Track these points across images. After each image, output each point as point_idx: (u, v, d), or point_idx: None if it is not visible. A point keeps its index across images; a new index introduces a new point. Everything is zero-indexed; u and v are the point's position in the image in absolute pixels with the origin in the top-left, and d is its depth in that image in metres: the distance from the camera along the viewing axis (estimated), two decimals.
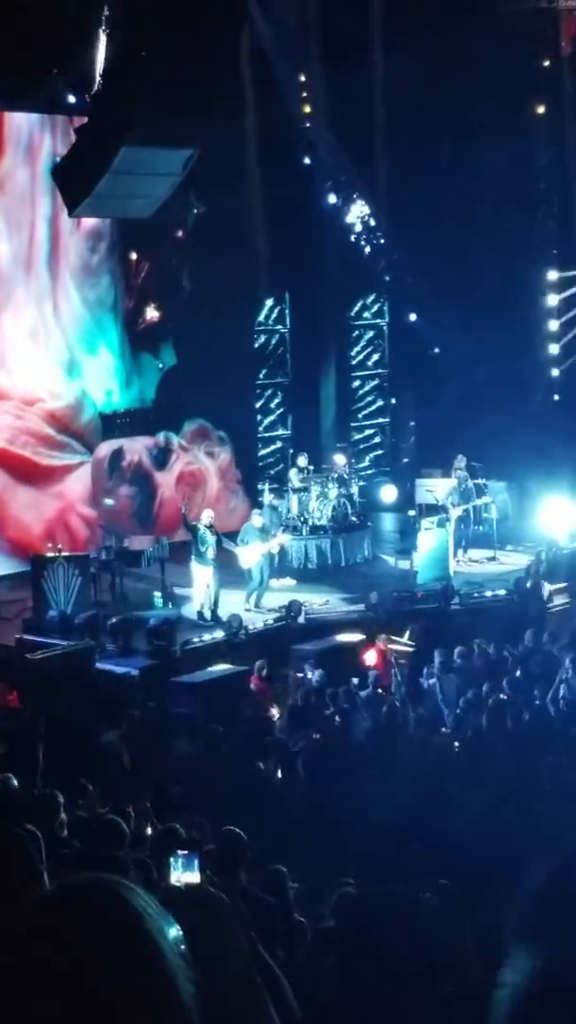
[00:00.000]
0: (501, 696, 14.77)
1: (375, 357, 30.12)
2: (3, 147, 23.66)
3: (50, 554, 20.39)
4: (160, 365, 26.72)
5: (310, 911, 7.94)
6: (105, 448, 24.73)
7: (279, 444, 28.09)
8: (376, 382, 30.17)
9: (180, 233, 26.45)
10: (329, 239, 28.05)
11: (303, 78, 27.06)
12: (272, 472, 26.80)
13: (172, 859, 2.54)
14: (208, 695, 16.25)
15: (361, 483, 25.73)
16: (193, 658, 18.03)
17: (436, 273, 27.49)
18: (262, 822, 10.37)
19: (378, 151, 26.52)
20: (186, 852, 2.58)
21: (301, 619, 19.83)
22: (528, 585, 20.57)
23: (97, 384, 25.31)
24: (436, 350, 28.93)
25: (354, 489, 24.68)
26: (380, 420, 30.15)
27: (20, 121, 23.88)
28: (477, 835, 10.64)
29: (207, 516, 20.42)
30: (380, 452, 29.94)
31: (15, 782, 10.17)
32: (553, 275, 28.72)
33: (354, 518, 24.20)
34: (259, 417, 28.10)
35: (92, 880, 1.79)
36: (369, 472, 28.68)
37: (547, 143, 28.31)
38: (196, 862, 2.56)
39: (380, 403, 30.13)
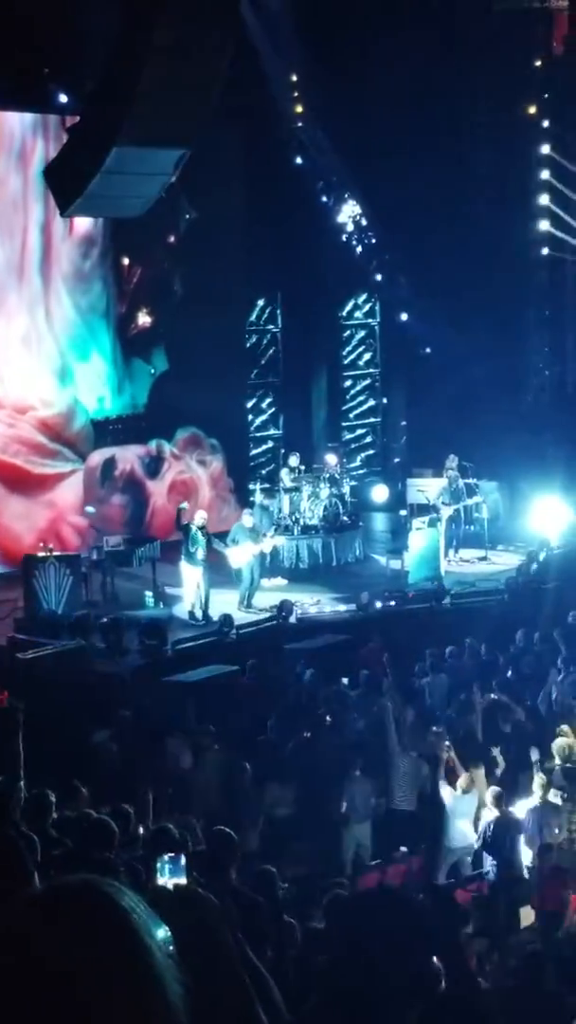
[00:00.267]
0: (492, 696, 14.79)
1: (366, 357, 30.13)
2: None
3: (41, 554, 20.38)
4: (152, 371, 26.72)
5: (300, 912, 7.95)
6: (97, 457, 24.63)
7: (270, 444, 28.09)
8: (367, 382, 30.18)
9: (172, 238, 26.45)
10: (321, 239, 28.04)
11: (295, 78, 27.05)
12: (263, 472, 26.80)
13: (158, 863, 2.53)
14: (199, 695, 16.24)
15: (352, 483, 25.74)
16: (184, 658, 18.01)
17: (428, 273, 27.48)
18: (252, 822, 10.38)
19: (370, 151, 26.50)
20: (172, 855, 2.57)
21: (293, 619, 19.83)
22: (519, 584, 20.61)
23: (89, 390, 25.28)
24: (428, 350, 28.93)
25: (345, 489, 24.68)
26: (371, 420, 30.17)
27: (12, 126, 23.83)
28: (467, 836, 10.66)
29: (200, 517, 20.42)
30: (371, 452, 29.95)
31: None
32: (545, 275, 28.75)
33: (345, 518, 24.20)
34: (250, 417, 28.10)
35: (81, 881, 1.78)
36: (360, 472, 28.69)
37: (539, 143, 28.32)
38: (183, 866, 2.55)
39: (371, 403, 30.14)
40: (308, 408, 28.86)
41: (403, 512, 24.75)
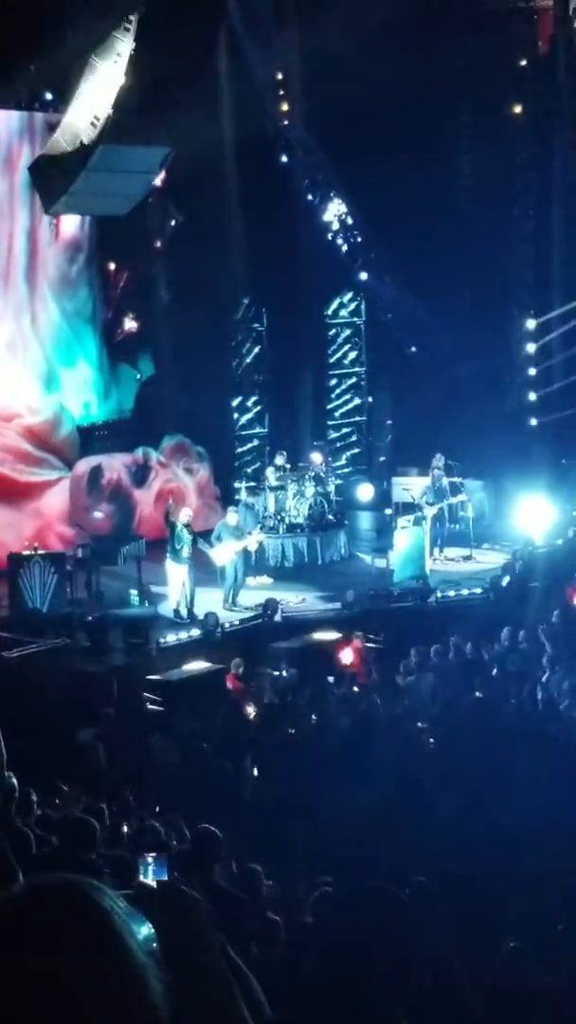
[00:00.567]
0: (477, 695, 14.80)
1: (352, 355, 30.13)
2: None
3: (26, 552, 20.34)
4: (138, 375, 26.72)
5: (285, 909, 7.93)
6: (84, 465, 24.53)
7: (256, 442, 28.08)
8: (353, 380, 30.18)
9: (159, 243, 26.46)
10: (306, 237, 28.04)
11: (280, 76, 27.05)
12: (249, 470, 26.78)
13: (141, 863, 2.52)
14: (184, 693, 16.24)
15: (338, 481, 25.74)
16: (169, 656, 18.00)
17: (413, 272, 27.50)
18: (238, 820, 10.37)
19: (355, 150, 26.50)
20: (155, 855, 2.55)
21: (278, 617, 19.83)
22: (504, 584, 20.62)
23: (75, 396, 25.25)
24: (413, 349, 28.95)
25: (331, 487, 24.68)
26: (357, 418, 30.17)
27: None
28: (454, 832, 10.66)
29: (184, 515, 20.40)
30: (357, 450, 29.95)
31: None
32: (529, 275, 28.78)
33: (331, 516, 24.20)
34: (236, 415, 28.10)
35: (60, 880, 1.80)
36: (346, 470, 28.69)
37: (524, 142, 28.35)
38: (165, 866, 2.54)
39: (357, 401, 30.15)
40: (293, 406, 28.85)
41: (388, 511, 24.76)
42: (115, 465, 24.90)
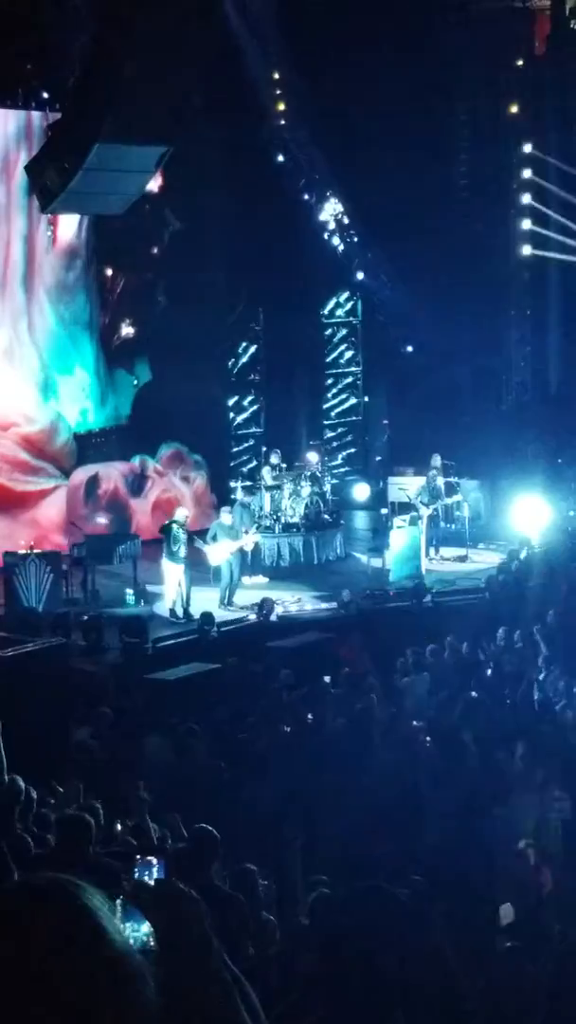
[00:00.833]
0: (473, 694, 14.79)
1: (348, 355, 30.15)
2: None
3: (22, 551, 20.33)
4: (135, 381, 26.70)
5: (281, 909, 7.94)
6: (81, 474, 24.49)
7: (252, 442, 28.08)
8: (349, 380, 30.20)
9: (155, 249, 26.47)
10: (302, 237, 28.04)
11: (277, 76, 27.05)
12: (245, 470, 26.80)
13: (136, 866, 2.52)
14: (180, 693, 16.22)
15: (334, 481, 25.75)
16: (165, 655, 17.99)
17: (409, 271, 27.52)
18: (234, 820, 10.37)
19: (352, 149, 26.52)
20: (150, 859, 2.56)
21: (274, 617, 19.82)
22: (500, 583, 20.61)
23: (72, 403, 25.22)
24: (409, 348, 28.96)
25: (327, 487, 24.68)
26: (353, 418, 30.19)
27: None
28: (449, 832, 10.67)
29: (180, 514, 20.40)
30: (353, 450, 29.97)
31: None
32: (526, 275, 28.80)
33: (326, 516, 24.20)
34: (232, 415, 28.09)
35: (46, 879, 1.84)
36: (342, 470, 28.71)
37: (520, 142, 28.36)
38: (159, 870, 2.54)
39: (353, 401, 30.16)
40: (290, 406, 28.86)
41: (384, 511, 24.77)
42: (112, 474, 24.85)
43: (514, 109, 28.38)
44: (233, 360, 28.11)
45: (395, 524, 22.64)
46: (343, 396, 30.11)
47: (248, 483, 24.56)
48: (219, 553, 20.64)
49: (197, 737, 13.70)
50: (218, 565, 20.74)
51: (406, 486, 24.29)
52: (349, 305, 30.04)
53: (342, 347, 30.08)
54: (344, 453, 29.70)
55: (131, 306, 26.57)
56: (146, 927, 2.20)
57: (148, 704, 15.94)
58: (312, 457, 25.37)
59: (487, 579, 21.15)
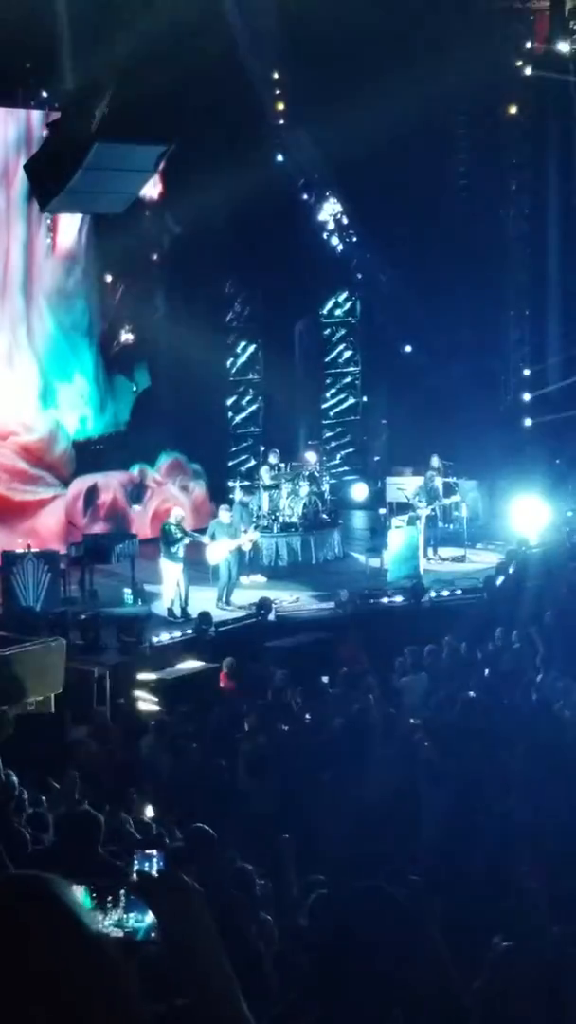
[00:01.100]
0: (470, 694, 14.78)
1: (347, 355, 30.14)
2: None
3: (20, 550, 20.33)
4: (134, 387, 26.68)
5: (279, 909, 7.93)
6: (79, 484, 24.43)
7: (250, 441, 28.07)
8: (348, 380, 30.19)
9: (155, 256, 26.46)
10: (301, 237, 28.03)
11: (276, 75, 27.04)
12: (243, 469, 26.79)
13: (136, 858, 2.53)
14: (177, 692, 16.23)
15: (332, 481, 25.76)
16: (163, 655, 17.99)
17: (408, 271, 27.52)
18: (231, 819, 10.36)
19: (351, 149, 26.48)
20: (150, 852, 2.57)
21: (272, 616, 19.82)
22: (498, 584, 20.61)
23: (71, 410, 25.17)
24: (408, 348, 28.96)
25: (325, 487, 24.69)
26: (351, 418, 30.17)
27: None
28: (446, 832, 10.67)
29: (175, 514, 20.43)
30: (351, 450, 29.96)
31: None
32: (524, 275, 28.80)
33: (325, 516, 24.20)
34: (230, 414, 28.09)
35: (25, 875, 1.95)
36: (340, 470, 28.70)
37: (519, 143, 28.37)
38: (159, 862, 2.55)
39: (351, 401, 30.15)
40: (288, 406, 28.84)
41: (382, 510, 24.78)
42: (111, 484, 24.80)
43: (513, 110, 28.37)
44: (232, 360, 28.10)
45: (393, 524, 22.65)
46: (342, 396, 30.11)
47: (246, 482, 24.56)
48: (218, 552, 20.64)
49: (193, 737, 13.71)
50: (217, 564, 20.74)
51: (404, 486, 24.31)
52: (348, 305, 30.04)
53: (341, 347, 30.07)
54: (342, 453, 29.70)
55: (131, 312, 26.56)
56: (150, 918, 2.21)
57: (145, 703, 15.95)
58: (310, 457, 25.37)
59: (485, 579, 21.16)
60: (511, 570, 21.21)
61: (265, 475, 24.10)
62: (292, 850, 9.12)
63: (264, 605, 19.89)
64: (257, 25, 25.94)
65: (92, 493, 24.40)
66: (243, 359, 28.27)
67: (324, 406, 29.86)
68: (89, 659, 17.81)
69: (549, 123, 28.23)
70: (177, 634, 18.92)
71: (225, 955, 2.16)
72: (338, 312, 30.07)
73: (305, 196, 28.39)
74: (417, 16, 25.80)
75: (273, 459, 24.35)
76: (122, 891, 2.41)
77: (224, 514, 21.33)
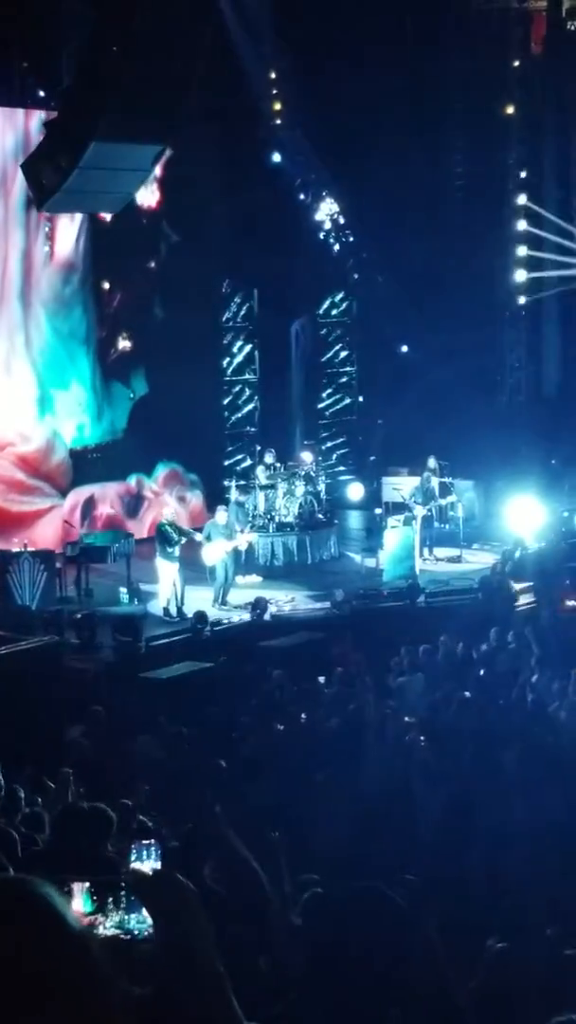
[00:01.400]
0: (466, 694, 14.79)
1: (343, 355, 30.14)
2: None
3: (15, 549, 20.32)
4: (131, 394, 26.66)
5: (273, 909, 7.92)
6: (76, 496, 24.34)
7: (246, 441, 28.06)
8: (344, 380, 30.21)
9: (152, 264, 26.46)
10: (298, 237, 28.04)
11: (273, 76, 27.05)
12: (239, 469, 26.78)
13: (133, 849, 2.54)
14: (173, 692, 16.22)
15: (328, 481, 25.75)
16: (159, 654, 17.99)
17: (404, 271, 27.52)
18: (225, 820, 10.35)
19: (348, 149, 26.53)
20: (147, 842, 2.58)
21: (267, 616, 19.82)
22: (494, 584, 20.62)
23: (68, 418, 25.14)
24: (404, 348, 28.96)
25: (321, 487, 24.68)
26: (347, 418, 30.17)
27: None
28: (440, 832, 10.67)
29: (168, 513, 20.44)
30: (347, 450, 29.97)
31: None
32: (521, 275, 28.79)
33: (320, 516, 24.20)
34: (226, 414, 28.08)
35: (11, 880, 2.00)
36: (336, 470, 28.70)
37: (516, 143, 28.38)
38: (157, 852, 2.56)
39: (347, 401, 30.17)
40: (284, 405, 28.85)
41: (378, 510, 24.78)
42: (108, 495, 24.74)
43: (510, 110, 28.38)
44: (228, 359, 28.10)
45: (389, 524, 22.66)
46: (338, 396, 30.12)
47: (242, 482, 24.55)
48: (214, 552, 20.64)
49: (188, 738, 13.71)
50: (213, 564, 20.74)
51: (400, 486, 24.32)
52: (344, 305, 30.04)
53: (337, 347, 30.08)
54: (338, 453, 29.70)
55: (128, 319, 26.55)
56: (144, 917, 2.22)
57: (141, 703, 15.94)
58: (306, 456, 25.37)
59: (480, 580, 21.17)
60: (507, 570, 21.23)
61: (261, 475, 24.09)
62: (284, 849, 9.12)
63: (260, 605, 19.90)
64: (254, 25, 25.96)
65: (89, 504, 24.34)
66: (239, 359, 28.28)
67: (320, 406, 29.87)
68: (85, 658, 17.82)
69: (547, 123, 28.23)
70: (173, 634, 18.92)
71: (218, 954, 2.18)
72: (334, 312, 30.07)
73: (302, 196, 28.40)
74: (414, 16, 25.80)
75: (269, 459, 24.34)
76: (123, 892, 2.42)
77: (220, 514, 21.34)
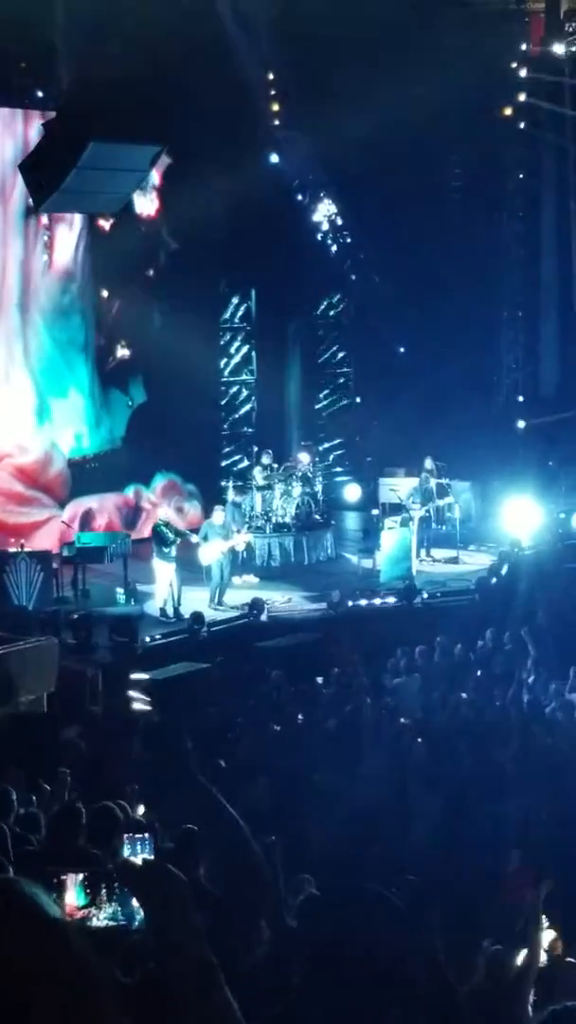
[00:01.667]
0: (462, 695, 14.80)
1: (340, 356, 30.14)
2: None
3: (12, 550, 20.31)
4: (130, 402, 26.63)
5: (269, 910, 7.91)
6: (74, 508, 24.24)
7: (243, 441, 28.06)
8: (341, 381, 30.20)
9: (151, 272, 26.45)
10: (295, 238, 28.03)
11: (271, 77, 27.03)
12: (236, 469, 26.77)
13: (126, 841, 2.54)
14: (170, 692, 16.20)
15: (325, 481, 25.75)
16: (155, 655, 17.98)
17: (401, 273, 27.51)
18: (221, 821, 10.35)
19: (346, 150, 26.50)
20: (139, 835, 2.58)
21: (264, 617, 19.83)
22: (491, 585, 20.64)
23: (66, 427, 25.07)
24: (401, 349, 28.97)
25: (318, 487, 24.68)
26: (344, 419, 30.17)
27: None
28: (437, 833, 10.67)
29: (163, 513, 20.44)
30: (344, 451, 29.95)
31: None
32: (519, 276, 28.81)
33: (317, 516, 24.21)
34: (223, 414, 28.08)
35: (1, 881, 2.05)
36: (333, 470, 28.69)
37: (515, 144, 28.38)
38: (149, 845, 2.56)
39: (345, 401, 30.16)
40: (281, 406, 28.85)
41: (375, 511, 24.77)
42: (106, 507, 24.69)
43: (508, 111, 28.38)
44: (225, 360, 28.10)
45: (386, 525, 22.66)
46: (335, 396, 30.12)
47: (239, 483, 24.56)
48: (210, 553, 20.64)
49: (185, 737, 13.69)
50: (209, 564, 20.74)
51: (397, 487, 24.32)
52: (341, 306, 30.04)
53: (334, 347, 30.07)
54: (335, 454, 29.69)
55: (126, 327, 26.52)
56: (135, 907, 2.23)
57: (137, 703, 15.91)
58: (303, 457, 25.36)
59: (477, 580, 21.18)
60: (503, 571, 21.24)
61: (258, 475, 24.10)
62: (280, 851, 9.12)
63: (256, 605, 19.90)
64: (252, 26, 25.95)
65: (87, 517, 24.29)
66: (236, 359, 28.28)
67: (317, 407, 29.87)
68: (81, 659, 17.80)
69: (544, 124, 28.24)
70: (169, 634, 18.91)
71: (207, 944, 2.19)
72: (332, 313, 30.07)
73: (299, 197, 28.39)
74: (412, 17, 25.78)
75: (266, 459, 24.35)
76: (115, 885, 2.43)
77: (217, 514, 21.33)
